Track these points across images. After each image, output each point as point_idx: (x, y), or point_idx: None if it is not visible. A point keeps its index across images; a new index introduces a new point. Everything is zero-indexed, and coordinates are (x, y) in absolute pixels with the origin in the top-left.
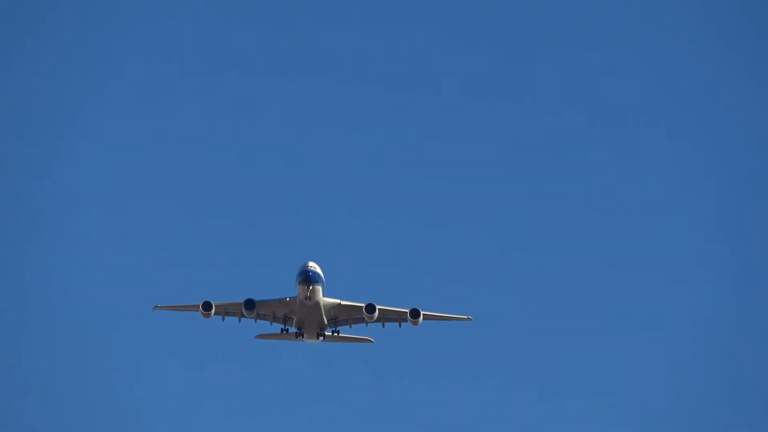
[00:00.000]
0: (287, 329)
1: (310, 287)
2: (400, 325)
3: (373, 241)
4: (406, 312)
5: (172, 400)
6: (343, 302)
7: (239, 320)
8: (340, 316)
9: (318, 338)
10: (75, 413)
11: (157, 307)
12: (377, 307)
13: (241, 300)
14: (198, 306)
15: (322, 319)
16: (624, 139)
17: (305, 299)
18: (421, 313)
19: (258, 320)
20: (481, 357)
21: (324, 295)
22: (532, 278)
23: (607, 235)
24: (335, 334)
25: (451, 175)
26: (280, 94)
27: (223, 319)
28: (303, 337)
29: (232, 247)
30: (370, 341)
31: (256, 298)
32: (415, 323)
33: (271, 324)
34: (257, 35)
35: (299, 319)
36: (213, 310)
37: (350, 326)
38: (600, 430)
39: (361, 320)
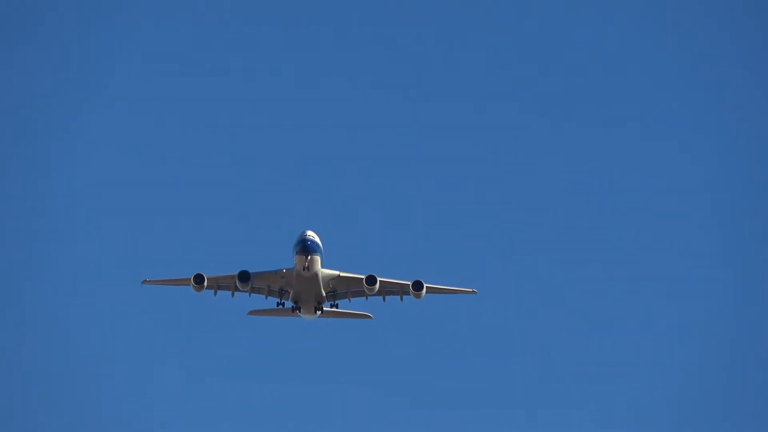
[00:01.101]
0: (283, 303)
1: (308, 257)
2: (402, 299)
3: (375, 211)
4: (409, 284)
5: (169, 385)
6: (342, 274)
7: (232, 294)
8: (339, 289)
9: (315, 313)
10: (75, 413)
11: (145, 281)
12: (378, 279)
13: (235, 272)
14: (189, 279)
15: (320, 292)
16: (624, 139)
17: (303, 270)
18: (425, 285)
19: (252, 294)
20: (485, 333)
21: (322, 267)
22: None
23: (606, 236)
24: (334, 308)
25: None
26: (282, 93)
27: (215, 293)
28: (300, 312)
29: (228, 222)
30: (369, 317)
31: (250, 270)
32: (418, 296)
33: (267, 298)
34: (258, 34)
35: (296, 292)
36: (205, 284)
37: (349, 300)
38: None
39: (361, 293)
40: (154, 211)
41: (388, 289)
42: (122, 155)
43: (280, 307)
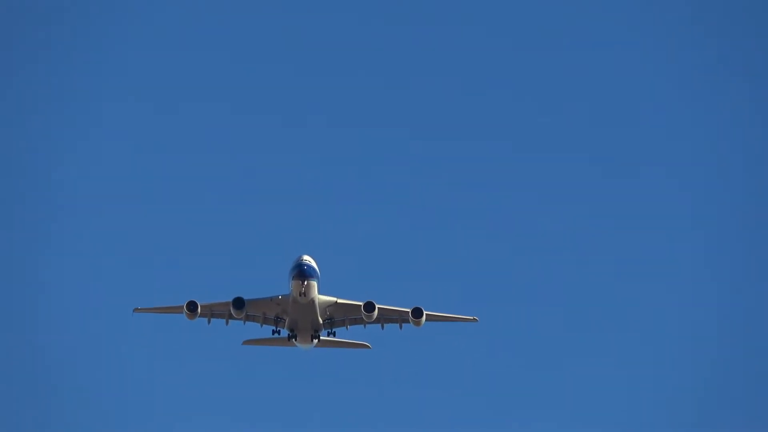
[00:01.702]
0: (279, 331)
1: (305, 282)
2: (401, 326)
3: (372, 237)
4: (408, 311)
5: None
6: (339, 300)
7: (227, 322)
8: (337, 317)
9: (312, 341)
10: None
11: (137, 309)
12: (377, 306)
13: (229, 299)
14: (182, 307)
15: (317, 320)
16: (623, 139)
17: (299, 296)
18: (424, 312)
19: (247, 321)
20: (485, 361)
21: (319, 293)
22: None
23: (604, 237)
24: (331, 336)
25: (452, 172)
26: (285, 89)
27: (209, 321)
28: (296, 340)
29: (224, 245)
30: (368, 347)
31: (245, 297)
32: (418, 324)
33: (262, 326)
34: (260, 31)
35: (292, 319)
36: (198, 311)
37: (347, 328)
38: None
39: (359, 321)
40: (145, 239)
41: (386, 317)
42: (127, 151)
43: (276, 335)
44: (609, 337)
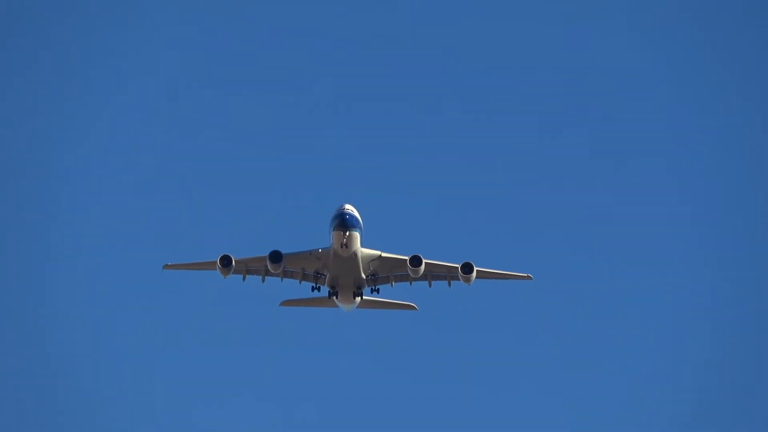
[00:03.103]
0: (319, 288)
1: (347, 233)
2: (449, 284)
3: (420, 189)
4: (458, 267)
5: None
6: (384, 254)
7: (263, 279)
8: (381, 272)
9: (354, 300)
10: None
11: (167, 266)
12: (424, 260)
13: (265, 253)
14: (215, 263)
15: (360, 275)
16: (623, 138)
17: (341, 248)
18: (475, 268)
19: (285, 278)
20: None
21: (362, 246)
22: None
23: (603, 234)
24: (374, 294)
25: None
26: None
27: (244, 278)
28: (337, 299)
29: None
30: (414, 308)
31: (283, 251)
32: (468, 280)
33: (300, 283)
34: (262, 29)
35: (333, 275)
36: (233, 266)
37: (392, 285)
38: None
39: (404, 278)
40: (173, 193)
41: (434, 273)
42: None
43: (316, 292)
44: (603, 331)
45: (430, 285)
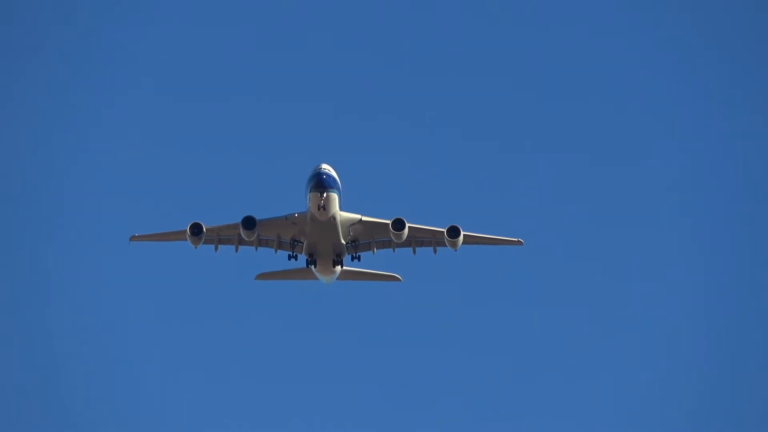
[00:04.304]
0: (296, 256)
1: (324, 194)
2: (435, 250)
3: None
4: (443, 231)
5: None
6: (364, 218)
7: (236, 248)
8: (362, 238)
9: (334, 268)
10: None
11: (134, 237)
12: (407, 223)
13: (238, 220)
14: (185, 232)
15: (339, 241)
16: (622, 138)
17: (318, 210)
18: (462, 232)
19: (260, 247)
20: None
21: (341, 209)
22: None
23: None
24: (355, 263)
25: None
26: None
27: (216, 248)
28: (315, 267)
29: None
30: (398, 279)
31: (257, 216)
32: (454, 245)
33: (276, 251)
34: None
35: (310, 242)
36: (203, 235)
37: (373, 252)
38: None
39: (387, 243)
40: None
41: (418, 238)
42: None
43: (293, 261)
44: (600, 335)
45: (414, 252)
